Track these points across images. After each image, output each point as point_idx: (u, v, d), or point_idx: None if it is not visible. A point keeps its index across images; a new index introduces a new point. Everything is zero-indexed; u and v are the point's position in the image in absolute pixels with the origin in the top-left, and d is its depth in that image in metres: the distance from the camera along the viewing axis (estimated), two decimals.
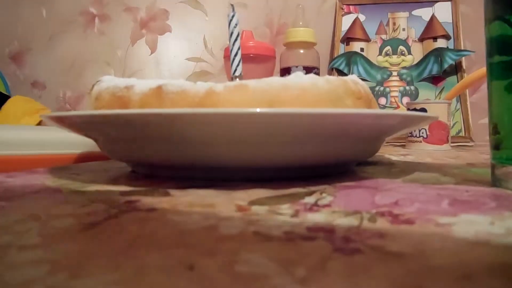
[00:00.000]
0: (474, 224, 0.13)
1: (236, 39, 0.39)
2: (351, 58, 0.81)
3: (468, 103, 0.74)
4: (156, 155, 0.22)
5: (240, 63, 0.39)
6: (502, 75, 0.20)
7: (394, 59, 0.81)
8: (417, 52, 0.80)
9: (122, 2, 1.04)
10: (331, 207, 0.16)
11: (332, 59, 0.84)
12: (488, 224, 0.13)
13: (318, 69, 0.75)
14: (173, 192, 0.19)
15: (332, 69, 0.82)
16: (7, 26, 1.11)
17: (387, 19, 0.84)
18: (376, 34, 0.84)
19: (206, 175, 0.23)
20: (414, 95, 0.78)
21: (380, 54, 0.82)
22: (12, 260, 0.10)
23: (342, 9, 0.87)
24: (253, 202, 0.17)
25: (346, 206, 0.16)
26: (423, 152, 0.51)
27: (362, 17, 0.85)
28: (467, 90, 0.74)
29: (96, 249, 0.11)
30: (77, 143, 0.48)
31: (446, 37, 0.79)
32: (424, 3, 0.82)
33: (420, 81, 0.78)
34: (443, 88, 0.77)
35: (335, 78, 0.23)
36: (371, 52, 0.83)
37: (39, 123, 0.78)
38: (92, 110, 0.24)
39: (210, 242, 0.11)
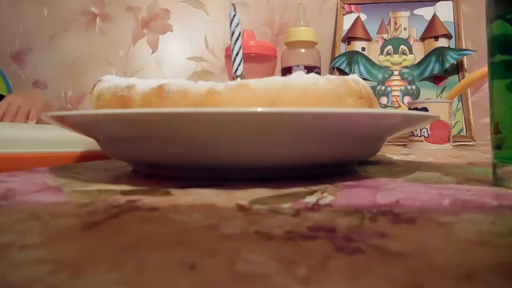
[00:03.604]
0: (475, 224, 0.13)
1: (237, 39, 0.39)
2: (352, 57, 0.81)
3: (469, 102, 0.74)
4: (157, 154, 0.22)
5: (241, 63, 0.39)
6: (503, 75, 0.20)
7: (396, 58, 0.81)
8: (419, 51, 0.80)
9: (123, 1, 1.04)
10: (332, 207, 0.16)
11: (333, 58, 0.84)
12: (490, 223, 0.13)
13: (319, 68, 0.74)
14: (174, 191, 0.19)
15: (333, 68, 0.82)
16: (8, 25, 1.11)
17: (388, 19, 0.84)
18: (377, 33, 0.84)
19: (207, 174, 0.23)
20: (416, 95, 0.78)
21: (381, 53, 0.82)
22: (14, 260, 0.10)
23: (344, 8, 0.87)
24: (254, 202, 0.17)
25: (347, 206, 0.16)
26: (425, 151, 0.51)
27: (363, 17, 0.85)
28: (468, 90, 0.74)
29: (97, 249, 0.11)
30: (78, 141, 0.48)
31: (448, 36, 0.79)
32: (426, 2, 0.82)
33: (421, 80, 0.78)
34: (445, 87, 0.77)
35: (336, 78, 0.23)
36: (373, 51, 0.82)
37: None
38: (93, 109, 0.24)
39: (211, 241, 0.11)
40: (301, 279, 0.09)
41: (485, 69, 0.55)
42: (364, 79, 0.77)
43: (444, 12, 0.81)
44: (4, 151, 0.43)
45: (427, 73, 0.77)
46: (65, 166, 0.32)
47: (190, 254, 0.10)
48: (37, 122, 0.77)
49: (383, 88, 0.80)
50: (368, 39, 0.83)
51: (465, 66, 0.77)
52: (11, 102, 0.76)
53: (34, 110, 0.78)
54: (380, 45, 0.82)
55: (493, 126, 0.21)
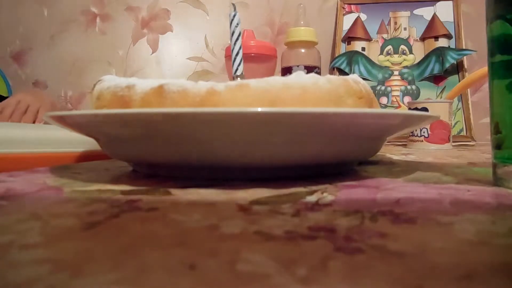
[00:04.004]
0: (475, 224, 0.13)
1: (237, 39, 0.39)
2: (352, 57, 0.81)
3: (469, 102, 0.74)
4: (157, 154, 0.22)
5: (241, 63, 0.39)
6: (503, 75, 0.20)
7: (396, 58, 0.81)
8: (419, 51, 0.80)
9: (123, 1, 1.04)
10: (332, 207, 0.16)
11: (333, 58, 0.84)
12: (490, 223, 0.13)
13: (319, 68, 0.74)
14: (174, 191, 0.19)
15: (333, 68, 0.82)
16: (8, 25, 1.11)
17: (388, 18, 0.84)
18: (377, 33, 0.83)
19: (207, 174, 0.23)
20: (416, 95, 0.78)
21: (381, 53, 0.82)
22: (14, 260, 0.10)
23: (344, 8, 0.87)
24: (254, 202, 0.17)
25: (347, 206, 0.16)
26: (425, 151, 0.51)
27: (363, 16, 0.85)
28: (468, 90, 0.74)
29: (97, 249, 0.11)
30: (78, 141, 0.48)
31: (448, 36, 0.79)
32: (426, 2, 0.82)
33: (421, 80, 0.78)
34: (445, 87, 0.77)
35: (336, 78, 0.23)
36: (373, 51, 0.82)
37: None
38: (93, 109, 0.24)
39: (211, 241, 0.11)
40: (301, 279, 0.09)
41: (485, 69, 0.55)
42: (364, 79, 0.76)
43: (444, 12, 0.81)
44: (4, 151, 0.43)
45: (427, 73, 0.77)
46: (65, 166, 0.32)
47: (190, 254, 0.10)
48: (44, 123, 0.77)
49: (383, 88, 0.80)
50: (368, 39, 0.83)
51: (465, 66, 0.77)
52: (21, 100, 0.76)
53: (43, 110, 0.78)
54: (380, 45, 0.82)
55: (493, 126, 0.21)
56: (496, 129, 0.21)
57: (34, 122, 0.76)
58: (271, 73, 0.73)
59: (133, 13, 1.03)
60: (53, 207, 0.16)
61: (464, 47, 0.78)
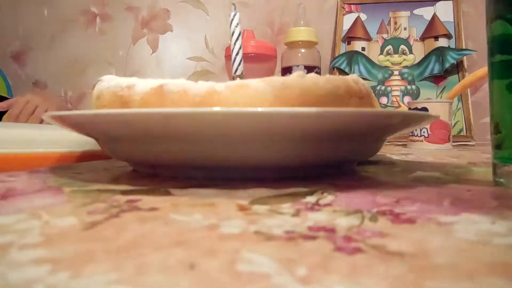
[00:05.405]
0: (475, 224, 0.13)
1: (237, 39, 0.39)
2: (352, 57, 0.81)
3: (469, 102, 0.74)
4: (157, 154, 0.22)
5: (241, 63, 0.39)
6: (503, 74, 0.20)
7: (396, 58, 0.81)
8: (419, 51, 0.80)
9: (123, 1, 1.04)
10: (332, 206, 0.16)
11: (333, 58, 0.84)
12: (490, 223, 0.13)
13: (319, 68, 0.74)
14: (174, 191, 0.19)
15: (333, 68, 0.82)
16: (8, 25, 1.11)
17: (388, 18, 0.84)
18: (377, 33, 0.83)
19: (207, 174, 0.23)
20: (416, 95, 0.78)
21: (381, 53, 0.82)
22: (14, 259, 0.10)
23: (344, 8, 0.87)
24: (254, 202, 0.17)
25: (347, 205, 0.16)
26: (424, 151, 0.51)
27: (363, 16, 0.85)
28: (468, 89, 0.74)
29: (97, 249, 0.11)
30: (78, 141, 0.48)
31: (448, 36, 0.79)
32: (426, 2, 0.82)
33: (422, 80, 0.78)
34: (445, 87, 0.77)
35: (336, 78, 0.23)
36: (373, 51, 0.82)
37: None
38: (93, 109, 0.24)
39: (211, 241, 0.11)
40: (301, 279, 0.09)
41: (485, 69, 0.55)
42: (364, 79, 0.77)
43: (444, 12, 0.81)
44: (4, 151, 0.43)
45: (427, 73, 0.77)
46: (65, 166, 0.32)
47: (190, 254, 0.10)
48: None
49: (383, 88, 0.80)
50: (368, 39, 0.83)
51: (465, 66, 0.77)
52: (29, 100, 0.76)
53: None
54: (380, 45, 0.82)
55: (493, 126, 0.21)
56: (496, 129, 0.21)
57: (41, 123, 0.76)
58: (271, 73, 0.73)
59: (133, 13, 1.03)
60: (53, 207, 0.16)
61: (464, 47, 0.78)
